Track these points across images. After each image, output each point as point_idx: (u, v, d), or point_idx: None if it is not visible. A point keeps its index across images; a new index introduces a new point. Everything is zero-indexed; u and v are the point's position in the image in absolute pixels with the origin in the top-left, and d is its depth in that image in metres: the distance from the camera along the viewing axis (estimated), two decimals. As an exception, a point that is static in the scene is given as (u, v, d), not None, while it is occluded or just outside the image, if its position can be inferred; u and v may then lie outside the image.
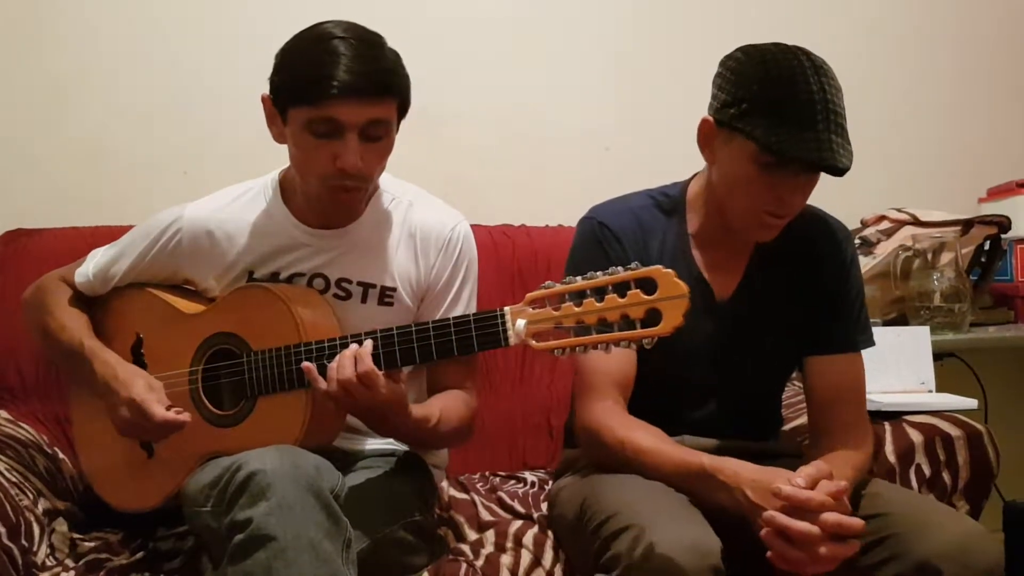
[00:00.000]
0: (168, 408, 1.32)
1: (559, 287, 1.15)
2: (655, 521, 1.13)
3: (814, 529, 1.13)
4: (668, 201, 1.44)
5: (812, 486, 1.16)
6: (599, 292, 1.12)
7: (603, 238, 1.40)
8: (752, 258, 1.42)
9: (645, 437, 1.30)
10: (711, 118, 1.32)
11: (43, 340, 1.50)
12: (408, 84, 1.35)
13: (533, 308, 1.17)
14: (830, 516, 1.14)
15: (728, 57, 1.33)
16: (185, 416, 1.33)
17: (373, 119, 1.29)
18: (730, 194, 1.33)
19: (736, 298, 1.41)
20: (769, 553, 1.16)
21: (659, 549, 1.08)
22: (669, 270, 1.11)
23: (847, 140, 1.25)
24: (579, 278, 1.14)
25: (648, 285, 1.11)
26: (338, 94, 1.25)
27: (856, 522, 1.16)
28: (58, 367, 1.60)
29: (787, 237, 1.40)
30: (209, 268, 1.45)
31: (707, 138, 1.33)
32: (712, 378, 1.42)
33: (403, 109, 1.36)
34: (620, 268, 1.13)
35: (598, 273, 1.13)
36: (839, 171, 1.24)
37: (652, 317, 1.10)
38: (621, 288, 1.12)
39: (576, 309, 1.13)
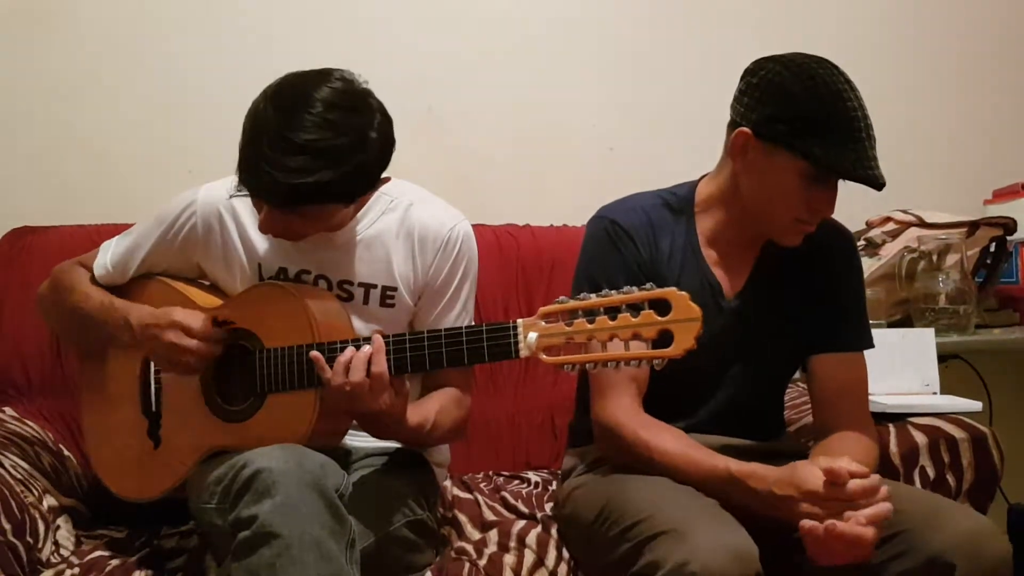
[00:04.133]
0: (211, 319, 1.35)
1: (572, 303, 1.15)
2: (693, 527, 1.13)
3: (856, 529, 1.13)
4: (677, 201, 1.45)
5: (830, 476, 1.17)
6: (612, 310, 1.12)
7: (615, 236, 1.40)
8: (759, 258, 1.44)
9: (670, 439, 1.31)
10: (749, 130, 1.32)
11: (67, 318, 1.49)
12: (340, 156, 1.25)
13: (546, 322, 1.17)
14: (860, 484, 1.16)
15: (760, 68, 1.33)
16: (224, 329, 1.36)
17: (308, 216, 1.31)
18: (768, 203, 1.35)
19: (743, 296, 1.42)
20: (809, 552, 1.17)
21: (700, 556, 1.08)
22: (683, 292, 1.11)
23: (877, 153, 1.30)
24: (593, 295, 1.14)
25: (662, 306, 1.11)
26: (266, 200, 1.29)
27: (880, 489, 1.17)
28: (81, 341, 1.56)
29: None
30: (220, 253, 1.45)
31: (742, 149, 1.34)
32: (717, 375, 1.42)
33: (350, 195, 1.33)
34: (635, 288, 1.13)
35: (612, 291, 1.13)
36: (882, 187, 1.29)
37: (664, 338, 1.10)
38: (634, 308, 1.12)
39: (588, 326, 1.14)
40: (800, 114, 1.28)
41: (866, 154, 1.27)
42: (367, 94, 1.31)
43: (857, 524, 1.13)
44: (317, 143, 1.24)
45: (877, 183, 1.28)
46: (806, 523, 1.15)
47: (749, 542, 1.13)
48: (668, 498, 1.22)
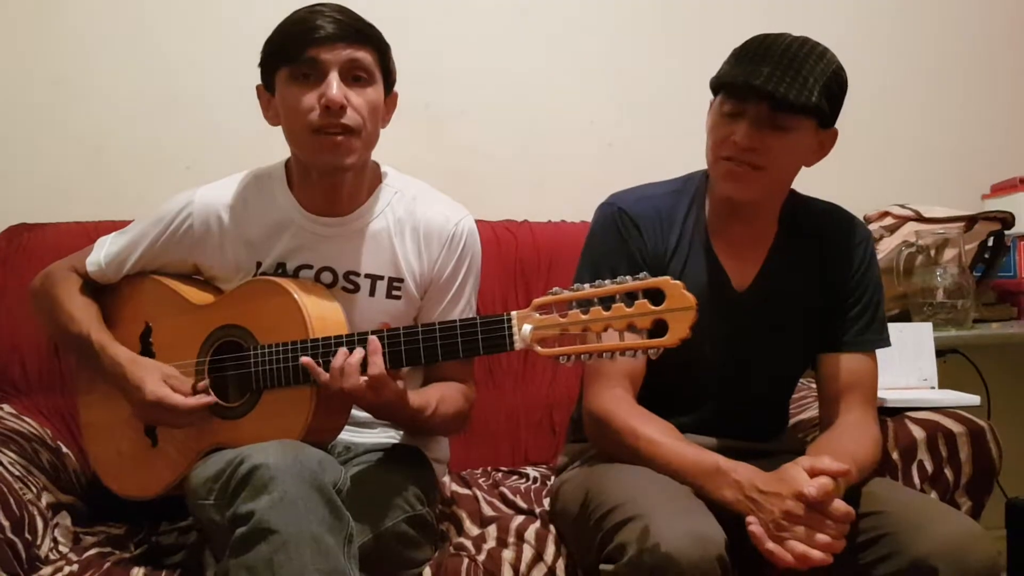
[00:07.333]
0: (192, 386, 1.35)
1: (566, 294, 1.15)
2: (660, 511, 1.13)
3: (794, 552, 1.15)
4: (689, 189, 1.44)
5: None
6: (606, 300, 1.12)
7: (622, 225, 1.39)
8: (771, 251, 1.42)
9: (658, 429, 1.31)
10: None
11: (53, 328, 1.51)
12: (385, 43, 1.40)
13: (540, 314, 1.17)
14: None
15: None
16: (210, 397, 1.35)
17: (352, 59, 1.33)
18: (708, 149, 1.36)
19: (753, 290, 1.41)
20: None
21: (664, 539, 1.09)
22: (677, 282, 1.11)
23: (798, 78, 1.25)
24: (587, 286, 1.14)
25: (656, 295, 1.11)
26: (316, 40, 1.31)
27: (843, 509, 1.17)
28: (68, 352, 1.61)
29: (807, 232, 1.41)
30: (217, 254, 1.45)
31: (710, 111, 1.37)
32: (725, 369, 1.41)
33: (384, 62, 1.39)
34: (629, 277, 1.13)
35: (606, 281, 1.13)
36: (769, 95, 1.25)
37: (658, 328, 1.10)
38: (629, 297, 1.12)
39: (583, 316, 1.13)
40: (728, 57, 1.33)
41: (755, 69, 1.26)
42: None
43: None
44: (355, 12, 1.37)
45: (752, 86, 1.25)
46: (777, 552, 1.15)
47: (715, 527, 1.13)
48: (641, 486, 1.22)
